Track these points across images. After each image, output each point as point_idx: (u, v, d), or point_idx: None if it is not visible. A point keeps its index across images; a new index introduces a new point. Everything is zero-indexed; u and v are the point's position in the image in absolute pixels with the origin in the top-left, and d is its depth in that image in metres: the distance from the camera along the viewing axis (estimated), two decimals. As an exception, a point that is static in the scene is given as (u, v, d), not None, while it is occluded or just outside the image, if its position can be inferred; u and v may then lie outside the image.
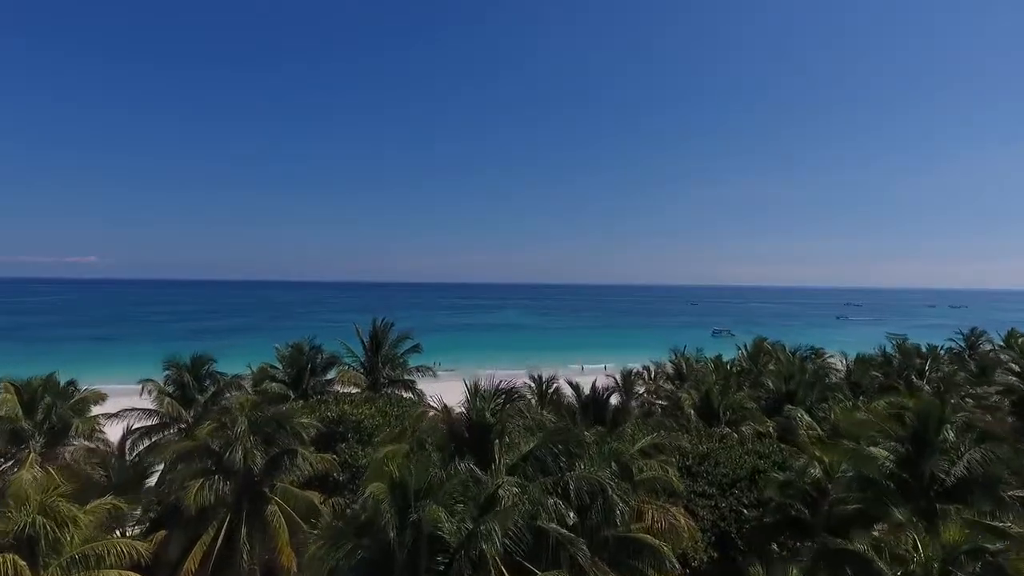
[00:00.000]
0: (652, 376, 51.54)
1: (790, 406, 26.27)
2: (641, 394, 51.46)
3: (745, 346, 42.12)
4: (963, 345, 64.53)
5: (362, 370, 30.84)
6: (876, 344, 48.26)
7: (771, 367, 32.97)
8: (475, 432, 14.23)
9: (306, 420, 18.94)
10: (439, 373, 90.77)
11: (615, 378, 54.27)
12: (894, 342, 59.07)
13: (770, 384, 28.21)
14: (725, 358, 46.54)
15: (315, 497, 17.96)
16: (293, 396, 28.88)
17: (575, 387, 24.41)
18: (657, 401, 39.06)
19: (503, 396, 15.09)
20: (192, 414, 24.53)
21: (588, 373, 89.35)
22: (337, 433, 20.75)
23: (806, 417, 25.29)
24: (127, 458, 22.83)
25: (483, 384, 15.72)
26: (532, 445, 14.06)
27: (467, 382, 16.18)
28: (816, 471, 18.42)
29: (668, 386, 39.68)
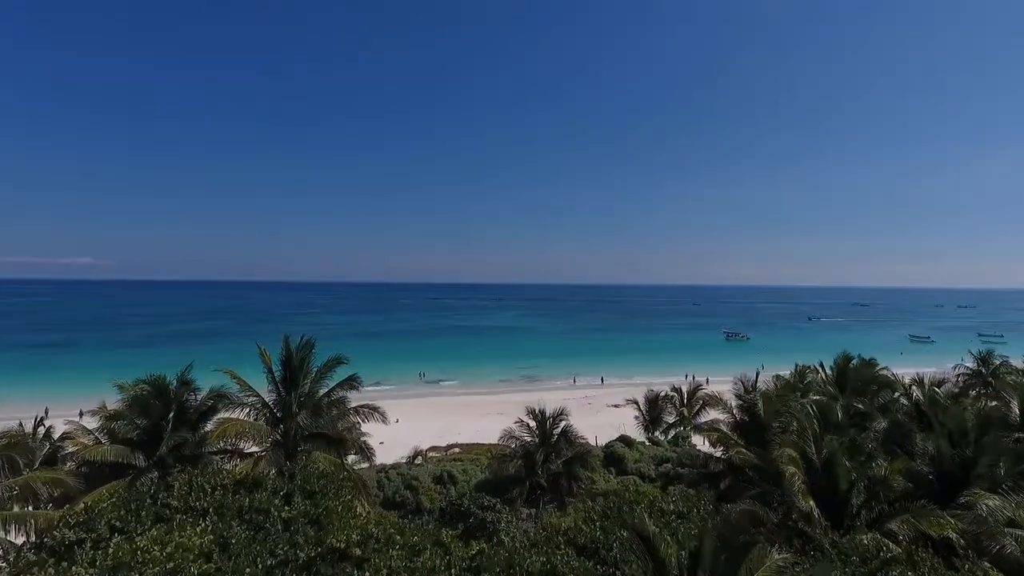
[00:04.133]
0: (685, 401, 40.50)
1: (978, 491, 15.27)
2: (675, 424, 40.45)
3: (822, 366, 30.97)
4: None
5: (267, 415, 19.71)
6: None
7: (900, 407, 21.77)
8: None
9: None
10: (425, 385, 79.81)
11: (638, 403, 43.21)
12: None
13: (928, 447, 17.05)
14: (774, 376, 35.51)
15: None
16: (145, 463, 17.83)
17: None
18: (709, 450, 27.93)
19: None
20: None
21: (581, 387, 78.66)
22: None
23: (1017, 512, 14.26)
24: None
25: None
26: None
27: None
28: None
29: (721, 417, 28.36)
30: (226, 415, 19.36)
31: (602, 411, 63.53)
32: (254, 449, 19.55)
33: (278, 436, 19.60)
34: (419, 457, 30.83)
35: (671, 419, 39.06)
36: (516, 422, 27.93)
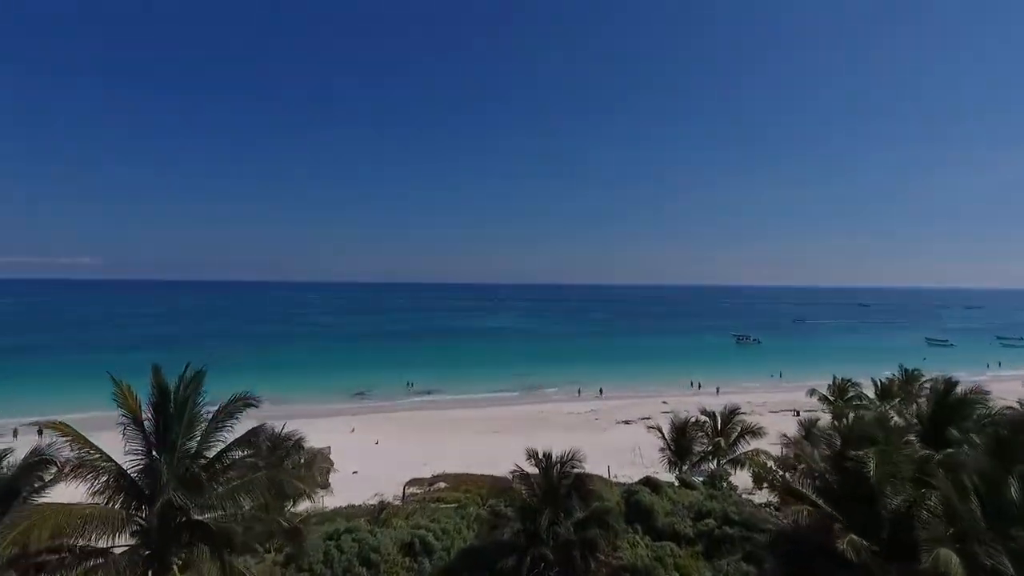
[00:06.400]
0: (719, 428, 33.55)
1: None
2: (705, 454, 33.54)
3: (890, 379, 23.90)
4: None
5: (126, 492, 12.75)
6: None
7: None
8: None
9: None
10: (414, 396, 72.03)
11: (661, 431, 36.17)
12: None
13: None
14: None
15: None
16: None
17: None
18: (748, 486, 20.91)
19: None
20: None
21: (586, 398, 71.42)
22: None
23: None
24: None
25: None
26: None
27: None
28: None
29: (770, 451, 21.22)
30: (55, 496, 12.41)
31: (611, 428, 56.52)
32: (111, 543, 12.58)
33: (142, 523, 12.63)
34: (384, 512, 23.72)
35: (704, 448, 32.13)
36: (513, 471, 20.97)
